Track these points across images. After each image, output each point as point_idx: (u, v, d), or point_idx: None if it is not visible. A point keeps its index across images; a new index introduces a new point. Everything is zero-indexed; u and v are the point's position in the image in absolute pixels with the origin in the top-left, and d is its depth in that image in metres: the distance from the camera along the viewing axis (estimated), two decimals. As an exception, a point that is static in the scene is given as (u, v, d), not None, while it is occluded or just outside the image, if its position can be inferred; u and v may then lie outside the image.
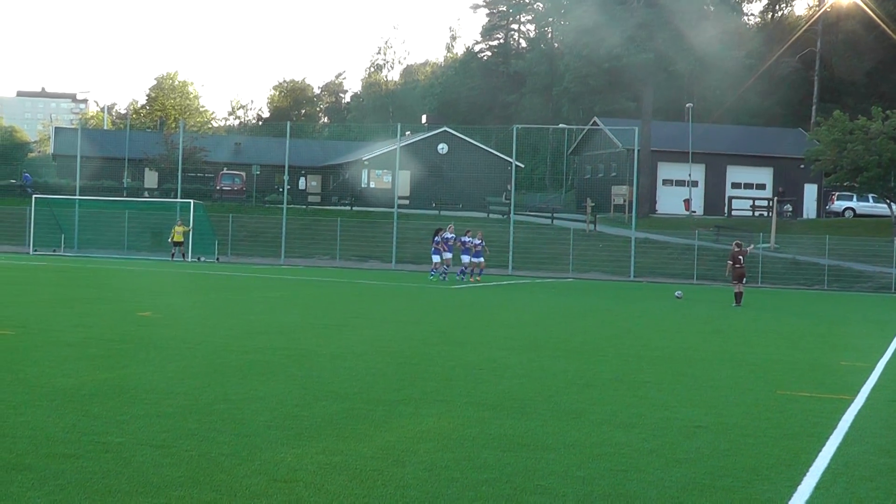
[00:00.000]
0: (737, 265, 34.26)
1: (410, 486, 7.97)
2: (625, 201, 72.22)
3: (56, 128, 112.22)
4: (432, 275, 44.40)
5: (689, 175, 76.57)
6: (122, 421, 10.01)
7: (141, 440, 9.16)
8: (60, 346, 16.11)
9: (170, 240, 56.69)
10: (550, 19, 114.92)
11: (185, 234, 56.65)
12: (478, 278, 44.21)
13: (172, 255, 56.13)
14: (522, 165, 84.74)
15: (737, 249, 34.74)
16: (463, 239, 44.23)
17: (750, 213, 75.89)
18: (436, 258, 44.55)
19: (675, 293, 37.43)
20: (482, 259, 44.72)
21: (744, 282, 34.61)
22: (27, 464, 8.07)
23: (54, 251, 59.83)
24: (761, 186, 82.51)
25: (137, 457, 8.50)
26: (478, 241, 44.25)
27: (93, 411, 10.48)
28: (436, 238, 44.52)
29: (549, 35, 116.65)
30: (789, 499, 8.07)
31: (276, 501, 7.30)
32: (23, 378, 12.59)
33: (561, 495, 7.88)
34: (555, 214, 71.55)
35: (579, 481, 8.35)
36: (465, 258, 44.34)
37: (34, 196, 63.17)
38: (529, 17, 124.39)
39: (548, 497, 7.81)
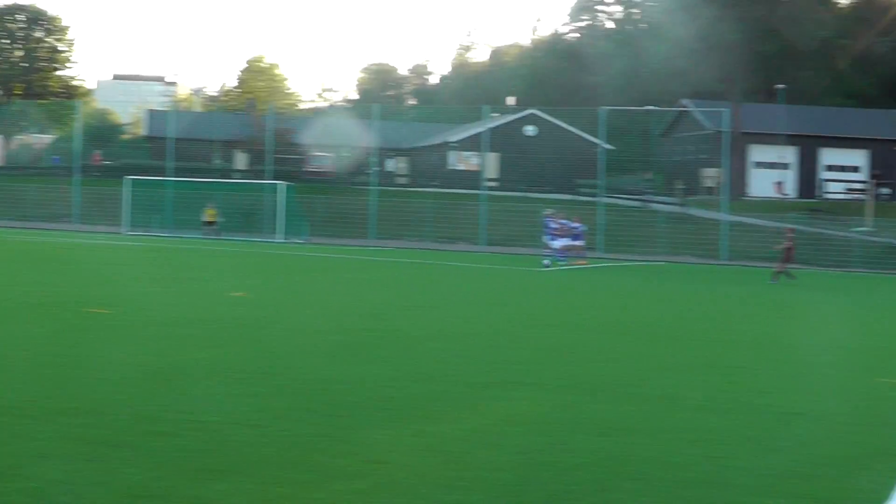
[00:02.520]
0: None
1: (503, 469, 7.92)
2: (715, 184, 71.56)
3: (149, 110, 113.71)
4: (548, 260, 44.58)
5: (782, 157, 75.57)
6: (218, 400, 10.09)
7: (236, 419, 9.21)
8: (156, 325, 16.30)
9: (203, 219, 59.33)
10: (637, 0, 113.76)
11: (216, 215, 58.85)
12: (579, 262, 44.30)
13: (205, 232, 58.44)
14: (612, 147, 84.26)
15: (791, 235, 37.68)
16: (561, 221, 44.21)
17: (844, 196, 74.64)
18: (554, 244, 44.82)
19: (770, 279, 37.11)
20: (581, 242, 44.79)
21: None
22: (126, 441, 8.16)
23: (148, 232, 60.65)
24: (856, 169, 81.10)
25: (233, 436, 8.56)
26: (575, 225, 44.29)
27: (189, 390, 10.59)
28: (551, 224, 44.68)
29: (637, 16, 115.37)
30: (892, 488, 7.88)
31: (370, 482, 7.29)
32: (120, 357, 12.76)
33: (657, 480, 7.75)
34: (645, 197, 71.12)
35: (675, 467, 8.21)
36: (559, 242, 44.30)
37: (126, 177, 64.13)
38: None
39: (643, 483, 7.68)
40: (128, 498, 6.60)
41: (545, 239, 44.28)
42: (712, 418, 10.43)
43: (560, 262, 43.16)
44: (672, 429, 9.80)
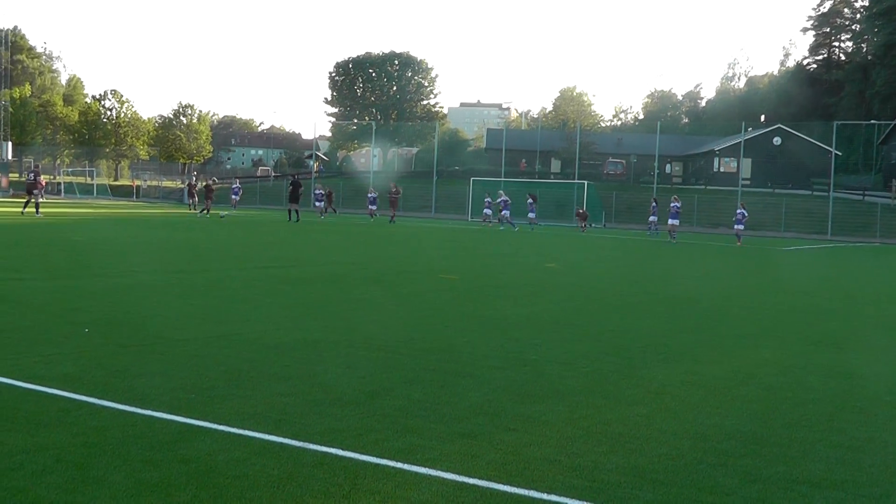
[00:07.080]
0: None
1: (753, 400, 7.70)
2: (923, 181, 67.89)
3: (487, 129, 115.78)
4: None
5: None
6: (536, 343, 10.22)
7: (550, 358, 9.32)
8: (490, 287, 16.64)
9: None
10: (865, 37, 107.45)
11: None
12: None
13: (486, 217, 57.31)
14: (840, 153, 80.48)
15: None
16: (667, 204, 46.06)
17: None
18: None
19: None
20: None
21: None
22: (468, 372, 8.40)
23: (486, 220, 61.81)
24: None
25: (547, 370, 8.66)
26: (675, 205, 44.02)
27: (514, 336, 10.76)
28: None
29: (864, 49, 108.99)
30: None
31: (650, 408, 7.23)
32: (464, 311, 13.09)
33: (873, 415, 7.37)
34: (866, 192, 68.25)
35: (888, 405, 7.79)
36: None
37: (472, 179, 65.70)
38: (848, 36, 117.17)
39: (862, 416, 7.34)
40: (470, 414, 6.80)
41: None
42: (925, 368, 9.83)
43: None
44: (885, 374, 9.32)
